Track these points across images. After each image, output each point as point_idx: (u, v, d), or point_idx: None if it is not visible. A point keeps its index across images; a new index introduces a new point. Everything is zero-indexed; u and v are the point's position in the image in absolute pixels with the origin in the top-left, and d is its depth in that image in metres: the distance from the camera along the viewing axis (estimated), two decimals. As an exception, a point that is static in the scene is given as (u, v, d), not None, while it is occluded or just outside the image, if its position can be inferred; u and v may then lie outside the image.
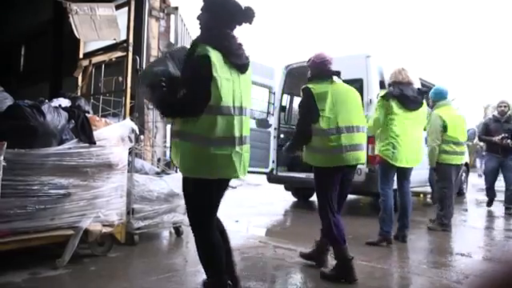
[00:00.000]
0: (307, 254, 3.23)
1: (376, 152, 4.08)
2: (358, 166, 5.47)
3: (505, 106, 6.50)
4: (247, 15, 2.16)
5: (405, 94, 3.96)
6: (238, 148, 2.09)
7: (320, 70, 3.03)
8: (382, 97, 4.03)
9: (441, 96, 4.96)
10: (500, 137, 6.26)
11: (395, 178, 4.14)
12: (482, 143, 8.56)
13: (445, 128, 4.75)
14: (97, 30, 4.13)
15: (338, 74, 3.05)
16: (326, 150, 2.89)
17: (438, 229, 4.79)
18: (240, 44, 2.19)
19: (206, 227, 2.17)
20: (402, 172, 4.09)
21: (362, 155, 3.02)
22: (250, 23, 2.19)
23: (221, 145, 2.04)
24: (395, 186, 4.17)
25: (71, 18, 4.04)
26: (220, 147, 2.04)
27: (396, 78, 4.08)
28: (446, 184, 4.86)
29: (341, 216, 3.02)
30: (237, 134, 2.08)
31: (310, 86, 2.96)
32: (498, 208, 6.75)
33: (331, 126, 2.86)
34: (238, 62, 2.14)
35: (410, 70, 4.17)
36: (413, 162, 4.07)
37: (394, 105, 3.95)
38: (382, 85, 5.72)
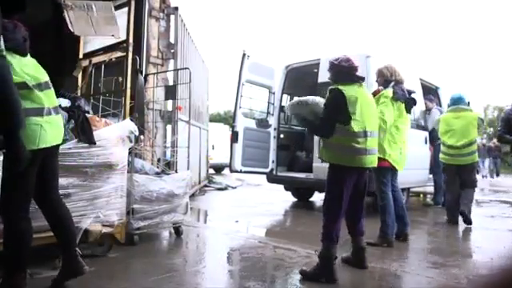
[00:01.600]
0: (346, 258, 3.25)
1: (383, 156, 3.83)
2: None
3: None
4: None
5: (410, 97, 4.05)
6: (49, 117, 2.32)
7: (348, 73, 3.09)
8: (393, 98, 3.95)
9: (451, 102, 5.42)
10: None
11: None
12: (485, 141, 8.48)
13: (440, 131, 5.33)
14: (93, 25, 4.12)
15: (363, 79, 3.16)
16: (351, 149, 2.95)
17: (447, 221, 5.34)
18: (26, 30, 2.37)
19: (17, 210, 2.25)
20: (393, 172, 4.11)
21: (376, 159, 3.17)
22: (22, 11, 2.29)
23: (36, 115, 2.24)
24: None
25: (66, 13, 4.03)
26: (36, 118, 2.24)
27: (398, 76, 4.06)
28: (445, 181, 5.56)
29: (361, 216, 3.19)
30: (47, 105, 2.31)
31: (340, 87, 3.00)
32: (499, 208, 6.75)
33: (361, 130, 2.97)
34: (24, 52, 2.31)
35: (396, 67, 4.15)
36: (404, 165, 4.15)
37: (400, 106, 3.97)
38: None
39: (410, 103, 4.04)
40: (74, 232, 2.48)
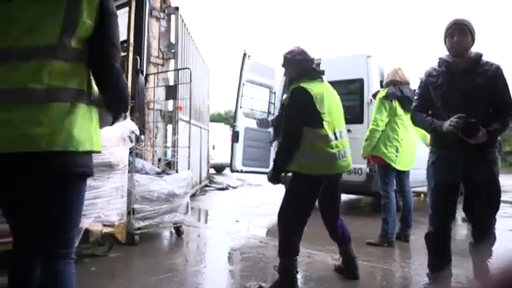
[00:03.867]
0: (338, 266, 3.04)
1: (376, 154, 3.98)
2: (359, 166, 5.56)
3: (460, 33, 2.43)
4: None
5: (406, 96, 3.92)
6: None
7: (306, 67, 2.76)
8: (384, 97, 3.97)
9: None
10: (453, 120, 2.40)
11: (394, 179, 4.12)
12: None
13: None
14: None
15: (323, 73, 2.86)
16: (326, 156, 2.62)
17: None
18: None
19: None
20: (402, 173, 4.09)
21: (350, 162, 2.82)
22: None
23: None
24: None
25: None
26: None
27: (393, 77, 4.05)
28: None
29: (341, 221, 2.92)
30: None
31: (304, 85, 2.63)
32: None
33: (331, 132, 2.64)
34: None
35: (406, 70, 4.14)
36: (410, 164, 4.11)
37: (397, 106, 3.92)
38: (382, 85, 5.72)
39: (404, 102, 3.91)
40: None
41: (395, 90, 3.95)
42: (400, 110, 3.93)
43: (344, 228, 2.91)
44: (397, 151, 3.91)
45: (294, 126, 2.63)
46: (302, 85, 2.63)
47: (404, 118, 3.94)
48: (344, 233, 2.90)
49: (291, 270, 2.62)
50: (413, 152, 4.11)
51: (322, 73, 2.86)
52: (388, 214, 3.92)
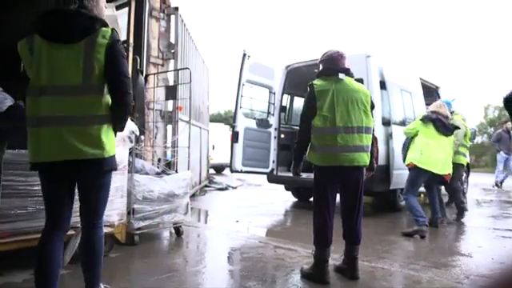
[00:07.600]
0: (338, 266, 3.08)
1: (407, 162, 4.78)
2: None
3: None
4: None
5: (441, 120, 4.74)
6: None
7: (326, 66, 2.96)
8: (421, 119, 4.80)
9: None
10: None
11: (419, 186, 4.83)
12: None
13: None
14: None
15: (345, 71, 2.92)
16: (321, 148, 2.85)
17: (462, 216, 5.58)
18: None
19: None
20: (432, 178, 4.73)
21: (360, 157, 2.87)
22: None
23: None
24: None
25: None
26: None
27: (436, 109, 4.85)
28: (458, 179, 5.80)
29: (356, 222, 2.92)
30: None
31: (314, 82, 2.91)
32: (498, 208, 6.74)
33: (327, 125, 2.81)
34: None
35: (446, 109, 4.93)
36: (438, 169, 4.67)
37: (428, 126, 4.74)
38: (382, 85, 5.73)
39: (437, 123, 4.73)
40: None
41: (432, 115, 4.79)
42: (431, 129, 4.72)
43: (357, 229, 2.93)
44: (421, 153, 4.64)
45: (303, 119, 2.95)
46: (314, 81, 2.92)
47: (434, 132, 4.71)
48: (354, 233, 2.93)
49: (321, 257, 2.83)
50: (441, 159, 4.70)
51: (341, 70, 2.91)
52: (411, 210, 4.63)
